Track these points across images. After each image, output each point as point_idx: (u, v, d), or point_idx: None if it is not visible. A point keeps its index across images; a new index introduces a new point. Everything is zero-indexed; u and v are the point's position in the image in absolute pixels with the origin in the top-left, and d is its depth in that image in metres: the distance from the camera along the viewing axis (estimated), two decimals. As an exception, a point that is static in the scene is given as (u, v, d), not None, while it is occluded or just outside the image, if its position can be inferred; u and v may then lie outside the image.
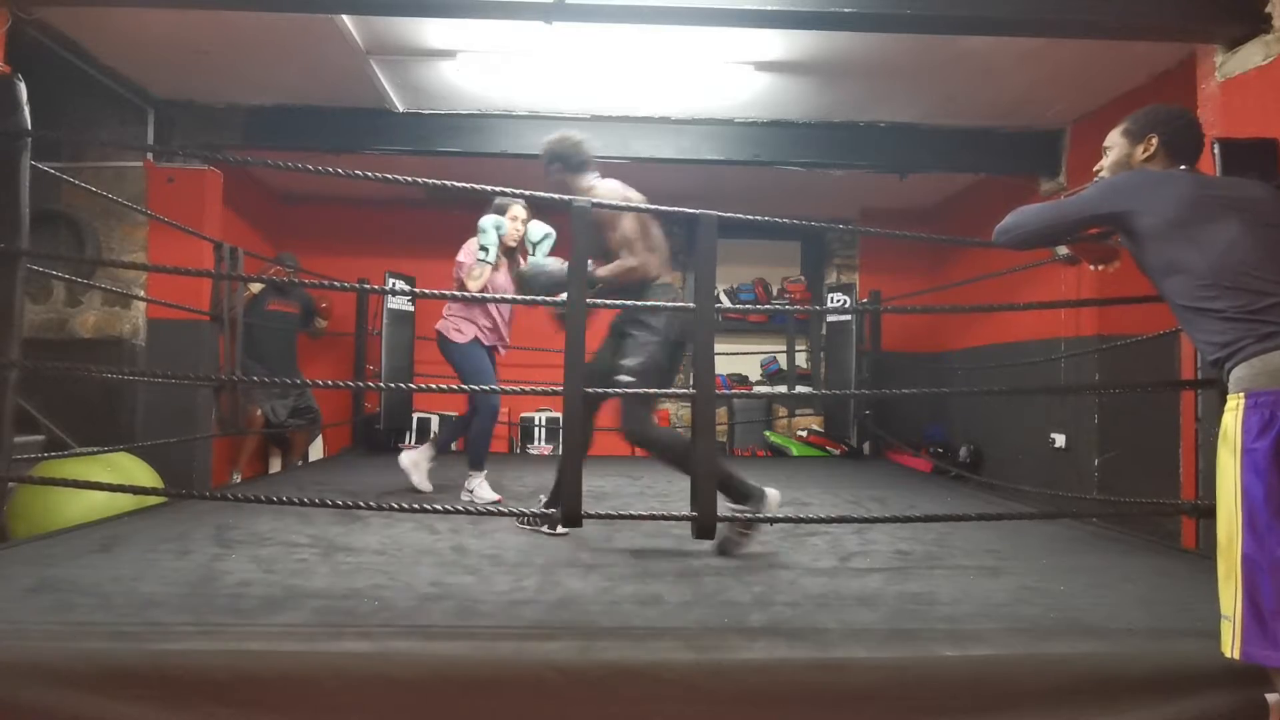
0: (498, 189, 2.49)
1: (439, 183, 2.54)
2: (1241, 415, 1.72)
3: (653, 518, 2.54)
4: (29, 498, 3.53)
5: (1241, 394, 1.74)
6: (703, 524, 2.35)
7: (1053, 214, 2.13)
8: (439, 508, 2.62)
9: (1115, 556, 2.87)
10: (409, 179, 2.58)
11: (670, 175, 5.80)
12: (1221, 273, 1.79)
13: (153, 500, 3.47)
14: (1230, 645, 1.68)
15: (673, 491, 4.22)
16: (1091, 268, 2.42)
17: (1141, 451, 4.46)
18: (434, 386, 2.59)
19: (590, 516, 2.37)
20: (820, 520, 2.87)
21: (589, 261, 2.54)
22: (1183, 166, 2.03)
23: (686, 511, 2.51)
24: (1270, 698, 1.74)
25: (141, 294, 4.73)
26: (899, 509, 3.86)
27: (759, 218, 2.72)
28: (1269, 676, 1.72)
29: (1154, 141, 2.05)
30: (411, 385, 2.75)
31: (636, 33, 3.84)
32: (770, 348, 7.15)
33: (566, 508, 2.26)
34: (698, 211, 2.47)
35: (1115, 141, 2.13)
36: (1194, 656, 1.80)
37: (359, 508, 2.44)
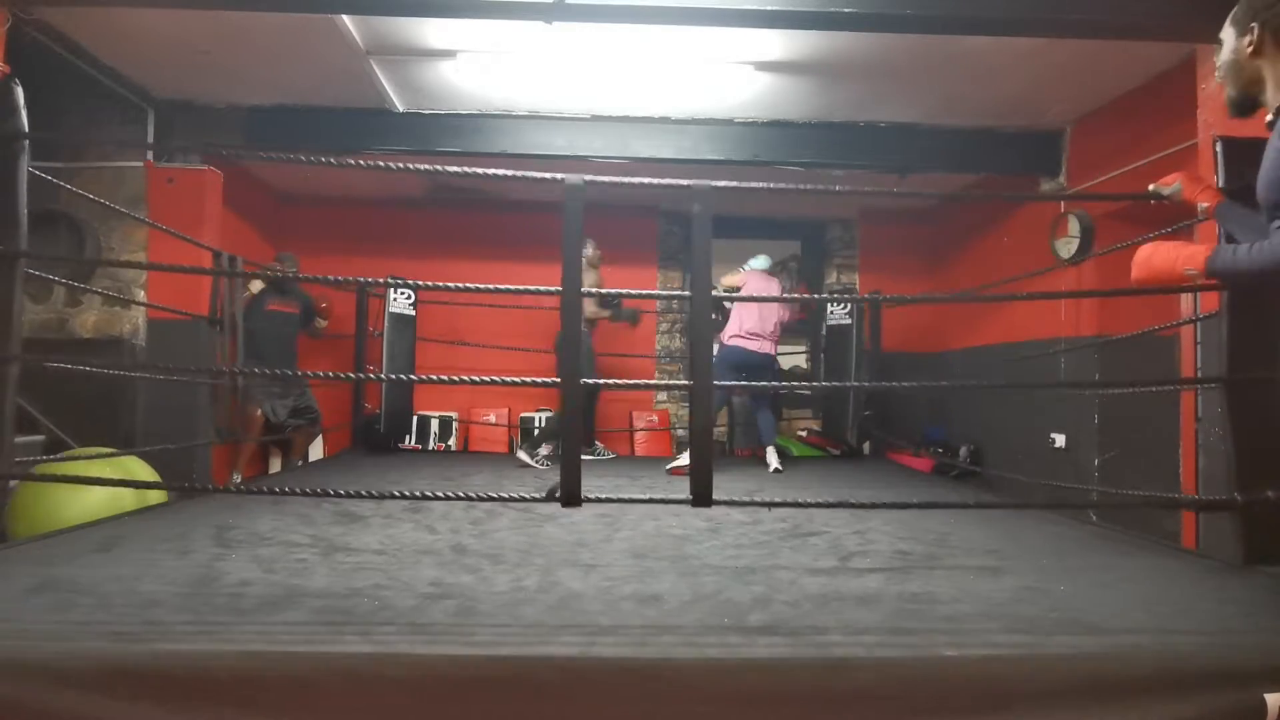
0: (497, 172, 2.50)
1: (437, 168, 2.56)
2: None
3: (650, 501, 2.55)
4: (29, 498, 3.52)
5: None
6: (698, 494, 2.41)
7: None
8: (438, 494, 2.62)
9: (1116, 556, 2.87)
10: (408, 165, 2.59)
11: (670, 175, 5.77)
12: None
13: (153, 500, 3.47)
14: None
15: (673, 491, 4.21)
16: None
17: (1141, 452, 4.46)
18: (432, 378, 2.59)
19: (591, 500, 2.40)
20: (817, 505, 2.82)
21: None
22: None
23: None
24: (1270, 698, 1.73)
25: (141, 295, 4.73)
26: (899, 509, 3.86)
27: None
28: (1271, 675, 1.71)
29: (1256, 30, 1.71)
30: (412, 376, 2.75)
31: (636, 33, 3.84)
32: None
33: (566, 489, 2.29)
34: (690, 182, 2.46)
35: (1225, 34, 1.79)
36: (1194, 656, 1.80)
37: (361, 496, 2.44)
